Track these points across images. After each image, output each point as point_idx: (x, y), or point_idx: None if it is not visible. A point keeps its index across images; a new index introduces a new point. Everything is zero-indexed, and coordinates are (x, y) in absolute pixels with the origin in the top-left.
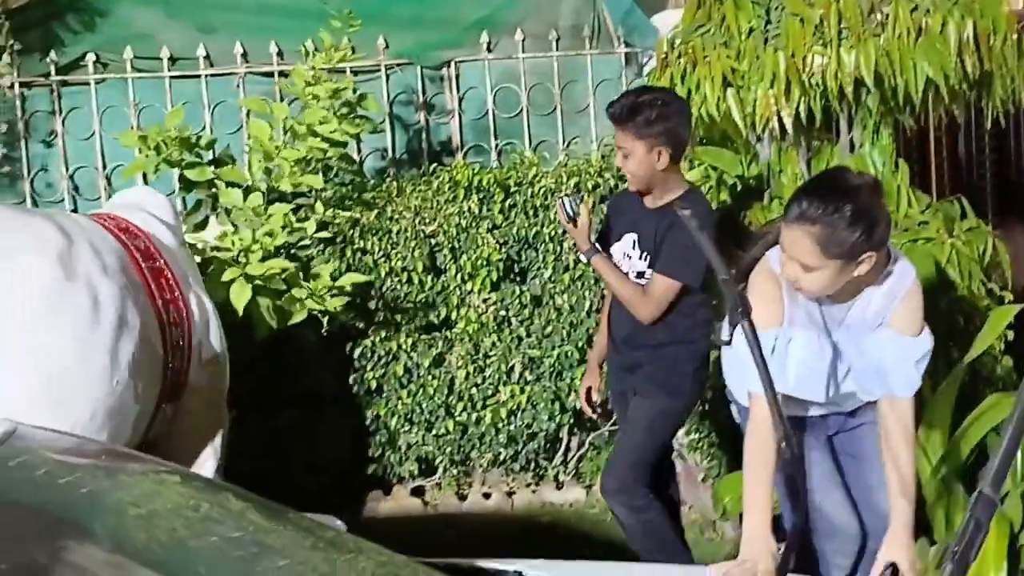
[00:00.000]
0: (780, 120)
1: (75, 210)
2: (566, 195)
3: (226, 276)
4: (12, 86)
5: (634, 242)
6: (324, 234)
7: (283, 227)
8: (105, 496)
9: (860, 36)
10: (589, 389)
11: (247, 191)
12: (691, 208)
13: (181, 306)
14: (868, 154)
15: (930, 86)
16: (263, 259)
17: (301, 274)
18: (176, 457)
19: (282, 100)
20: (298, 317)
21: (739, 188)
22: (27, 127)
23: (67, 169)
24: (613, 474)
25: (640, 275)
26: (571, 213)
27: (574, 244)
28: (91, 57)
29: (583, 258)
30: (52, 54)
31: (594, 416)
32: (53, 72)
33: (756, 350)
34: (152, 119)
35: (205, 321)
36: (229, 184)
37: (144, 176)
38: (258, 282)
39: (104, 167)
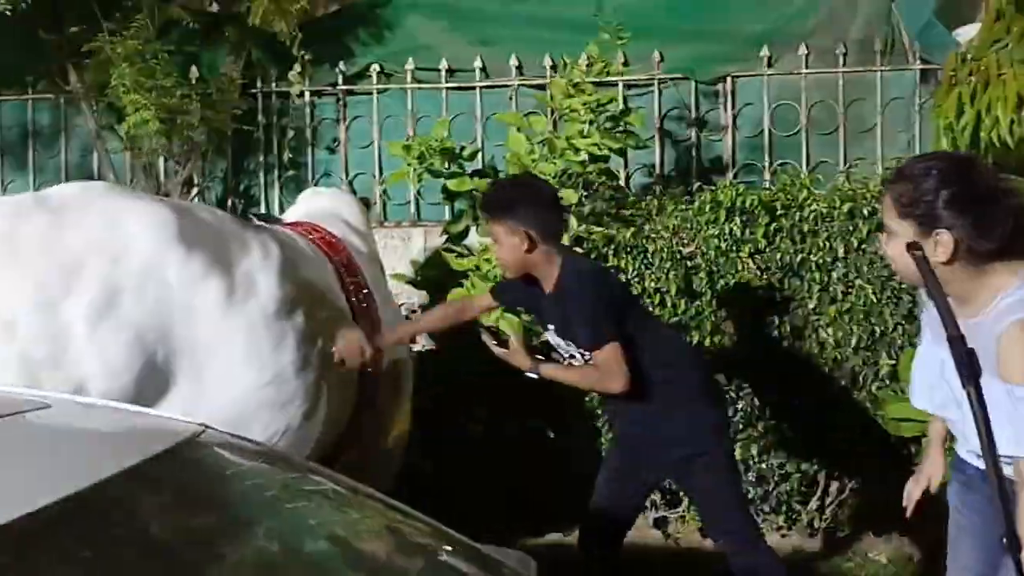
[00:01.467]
0: None
1: None
2: (486, 328)
3: (477, 291)
4: (302, 94)
5: (555, 331)
6: (578, 250)
7: None
8: (284, 505)
9: None
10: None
11: None
12: (577, 276)
13: (376, 319)
14: None
15: None
16: None
17: None
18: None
19: (551, 113)
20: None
21: None
22: (314, 134)
23: (347, 175)
24: (725, 536)
25: (580, 356)
26: (498, 340)
27: None
28: (375, 68)
29: (531, 375)
30: (340, 64)
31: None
32: (340, 82)
33: (980, 413)
34: (429, 129)
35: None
36: None
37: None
38: None
39: (380, 174)
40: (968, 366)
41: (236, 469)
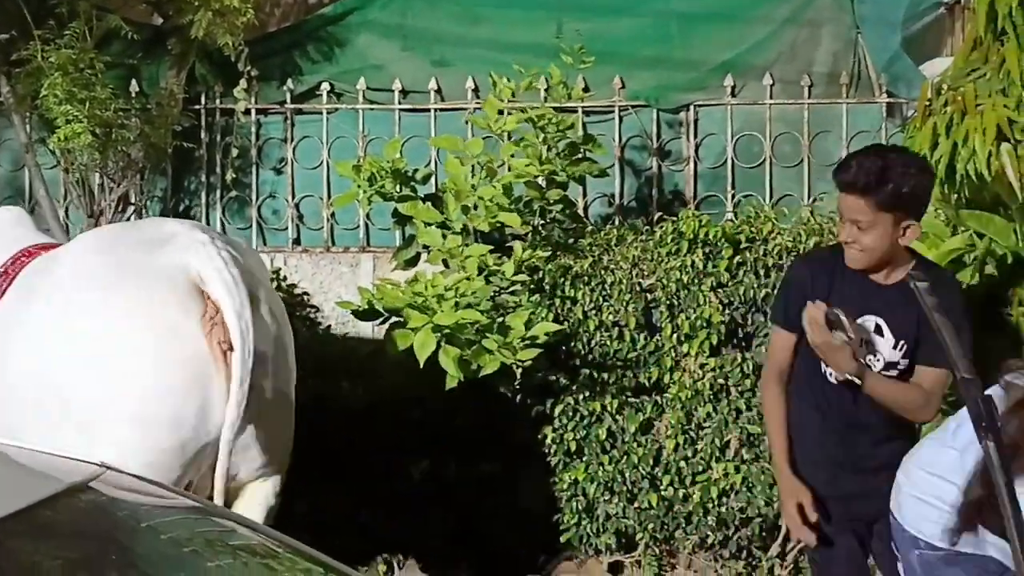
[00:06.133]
0: None
1: (298, 240)
2: (830, 307)
3: (412, 323)
4: (248, 112)
5: (878, 326)
6: (522, 277)
7: (480, 270)
8: (184, 548)
9: None
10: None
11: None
12: (933, 280)
13: None
14: None
15: None
16: (457, 307)
17: (496, 324)
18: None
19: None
20: (488, 369)
21: (1010, 261)
22: (259, 153)
23: (293, 197)
24: None
25: (890, 367)
26: (838, 327)
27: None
28: (326, 87)
29: (854, 379)
30: (289, 82)
31: (810, 542)
32: (288, 100)
33: (999, 476)
34: (380, 152)
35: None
36: (430, 223)
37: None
38: (447, 331)
39: (329, 197)
40: (987, 415)
41: (146, 520)
